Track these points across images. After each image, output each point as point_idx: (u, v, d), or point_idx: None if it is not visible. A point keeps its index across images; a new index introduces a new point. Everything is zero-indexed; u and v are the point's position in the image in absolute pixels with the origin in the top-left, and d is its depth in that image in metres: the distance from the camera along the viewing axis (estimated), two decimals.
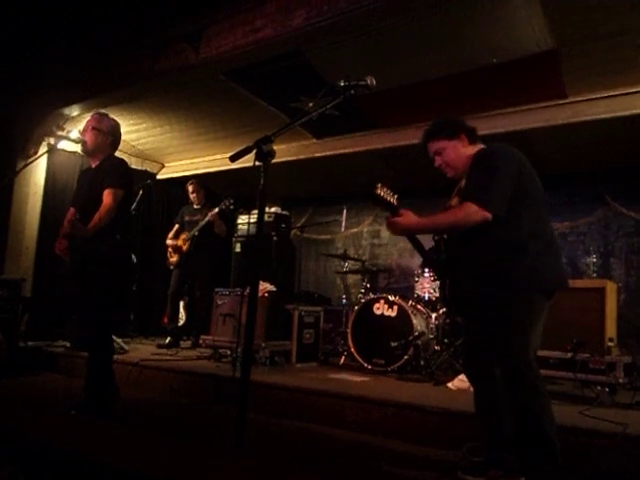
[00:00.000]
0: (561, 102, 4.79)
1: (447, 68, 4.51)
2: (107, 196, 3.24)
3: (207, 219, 5.74)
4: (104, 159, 3.42)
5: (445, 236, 2.63)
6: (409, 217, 2.42)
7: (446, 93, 4.83)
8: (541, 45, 4.04)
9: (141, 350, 5.50)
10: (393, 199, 2.43)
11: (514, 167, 2.39)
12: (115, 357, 4.68)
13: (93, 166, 3.47)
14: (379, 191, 2.37)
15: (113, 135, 3.49)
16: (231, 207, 5.77)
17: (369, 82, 2.25)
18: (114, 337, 5.22)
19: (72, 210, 3.56)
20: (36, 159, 5.63)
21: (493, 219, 2.31)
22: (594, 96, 4.64)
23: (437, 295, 5.10)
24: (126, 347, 5.36)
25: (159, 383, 4.39)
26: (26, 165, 5.25)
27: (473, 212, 2.30)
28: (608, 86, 4.52)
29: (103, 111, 3.73)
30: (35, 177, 6.12)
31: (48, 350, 5.34)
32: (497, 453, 2.42)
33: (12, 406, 3.64)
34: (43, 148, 5.96)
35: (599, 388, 3.52)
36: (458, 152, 2.55)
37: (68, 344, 5.38)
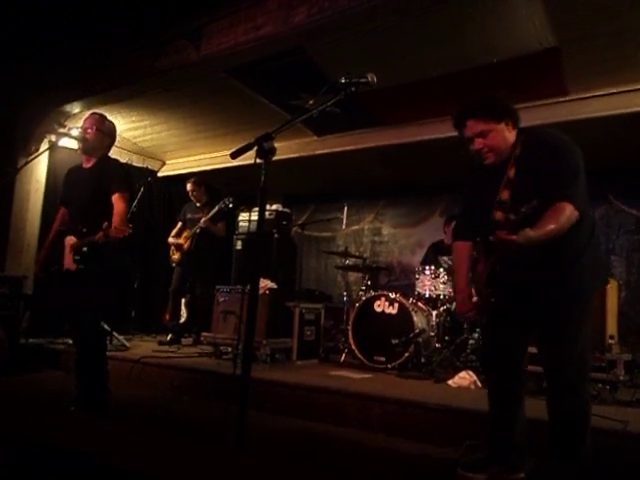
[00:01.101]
0: (561, 99, 4.78)
1: (449, 66, 4.50)
2: (118, 201, 3.25)
3: (200, 225, 5.76)
4: (100, 160, 3.41)
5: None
6: (527, 232, 2.04)
7: (448, 91, 4.80)
8: (543, 42, 4.03)
9: (142, 347, 5.51)
10: None
11: (582, 159, 2.21)
12: (116, 354, 4.74)
13: (85, 166, 3.44)
14: None
15: (111, 137, 3.51)
16: (230, 206, 5.79)
17: (370, 79, 2.22)
18: (115, 334, 5.29)
19: (63, 210, 3.56)
20: (37, 156, 5.61)
21: None
22: (594, 94, 4.62)
23: (438, 293, 5.09)
24: (127, 344, 5.39)
25: (160, 380, 4.40)
26: (27, 162, 5.23)
27: (571, 215, 2.09)
28: (608, 83, 4.51)
29: (100, 112, 3.72)
30: (36, 174, 6.13)
31: (50, 347, 5.34)
32: (499, 451, 2.42)
33: (13, 403, 3.64)
34: (44, 145, 5.96)
35: (600, 386, 3.52)
36: (504, 137, 2.30)
37: (70, 341, 5.38)
